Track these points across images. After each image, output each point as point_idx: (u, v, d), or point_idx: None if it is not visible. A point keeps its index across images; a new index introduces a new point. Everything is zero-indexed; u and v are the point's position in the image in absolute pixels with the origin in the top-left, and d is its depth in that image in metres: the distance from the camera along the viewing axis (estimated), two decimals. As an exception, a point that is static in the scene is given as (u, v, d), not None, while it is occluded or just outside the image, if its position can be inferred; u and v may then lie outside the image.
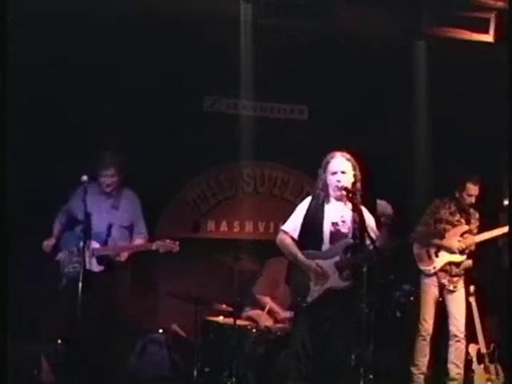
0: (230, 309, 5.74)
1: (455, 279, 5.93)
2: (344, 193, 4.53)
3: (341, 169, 4.57)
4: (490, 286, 6.37)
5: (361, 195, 4.63)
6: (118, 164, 5.47)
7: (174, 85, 6.54)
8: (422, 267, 5.99)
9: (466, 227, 5.97)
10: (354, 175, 4.58)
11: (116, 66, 6.28)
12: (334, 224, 4.57)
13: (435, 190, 6.40)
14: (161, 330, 6.27)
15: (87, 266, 5.04)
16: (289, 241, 4.65)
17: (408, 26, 6.38)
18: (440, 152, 6.72)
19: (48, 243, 5.43)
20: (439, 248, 5.94)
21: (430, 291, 5.96)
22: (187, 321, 5.87)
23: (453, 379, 5.90)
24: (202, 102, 6.97)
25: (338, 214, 4.60)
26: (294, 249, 4.61)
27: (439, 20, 6.32)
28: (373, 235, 4.45)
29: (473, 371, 5.98)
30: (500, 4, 6.17)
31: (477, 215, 6.04)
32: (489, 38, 6.37)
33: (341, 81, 6.76)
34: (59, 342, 5.80)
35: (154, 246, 5.30)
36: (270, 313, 6.05)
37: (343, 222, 4.58)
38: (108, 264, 5.34)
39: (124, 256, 5.42)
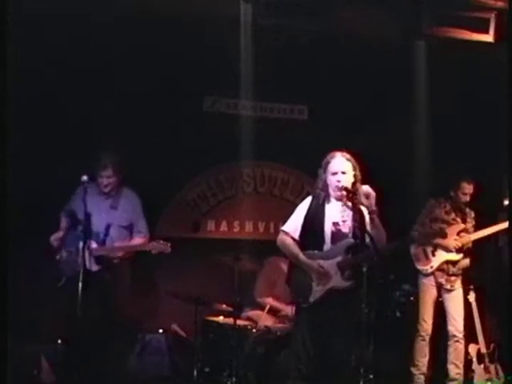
0: (230, 309, 5.74)
1: (452, 278, 5.94)
2: (344, 193, 4.52)
3: (341, 169, 4.56)
4: (490, 286, 6.38)
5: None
6: (115, 164, 5.46)
7: (174, 85, 6.54)
8: (420, 267, 6.00)
9: (462, 226, 5.99)
10: (354, 175, 4.57)
11: (116, 65, 6.28)
12: (335, 224, 4.57)
13: (435, 189, 6.39)
14: (161, 330, 6.27)
15: (86, 266, 5.04)
16: (290, 241, 4.64)
17: (408, 25, 6.38)
18: (440, 152, 6.72)
19: (56, 237, 5.43)
20: (436, 247, 5.94)
21: (428, 291, 5.97)
22: (187, 321, 5.86)
23: (453, 379, 5.90)
24: (202, 102, 6.97)
25: (338, 214, 4.59)
26: (296, 249, 4.61)
27: (439, 20, 6.32)
28: (373, 235, 4.45)
29: (473, 371, 5.99)
30: (500, 4, 6.17)
31: (472, 214, 6.05)
32: (489, 38, 6.37)
33: (341, 81, 6.76)
34: (59, 342, 5.81)
35: (147, 247, 5.31)
36: (270, 313, 6.05)
37: (344, 221, 4.57)
38: (106, 264, 5.34)
39: (122, 256, 5.42)
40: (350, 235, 4.55)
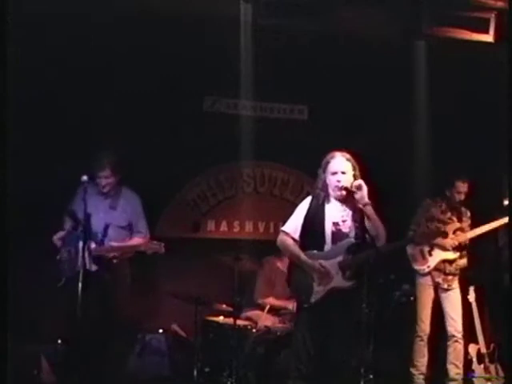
0: (230, 309, 5.75)
1: (449, 278, 5.93)
2: (344, 193, 4.53)
3: (341, 169, 4.56)
4: (490, 286, 6.38)
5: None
6: (113, 165, 5.45)
7: (174, 85, 6.54)
8: (417, 267, 5.99)
9: (457, 224, 5.99)
10: (354, 175, 4.57)
11: (116, 65, 6.28)
12: (335, 224, 4.56)
13: (435, 189, 6.39)
14: (161, 330, 6.26)
15: (86, 266, 5.04)
16: (290, 242, 4.64)
17: (408, 26, 6.38)
18: (440, 152, 6.72)
19: (59, 236, 5.43)
20: (432, 247, 5.94)
21: (426, 291, 5.97)
22: (187, 321, 5.86)
23: (452, 379, 5.90)
24: (202, 102, 6.98)
25: (338, 213, 4.59)
26: (296, 249, 4.60)
27: (439, 20, 6.32)
28: (373, 234, 4.45)
29: (473, 371, 5.99)
30: (500, 4, 6.17)
31: (468, 213, 6.06)
32: (489, 38, 6.37)
33: (341, 81, 6.76)
34: (59, 342, 5.81)
35: (142, 247, 5.31)
36: (270, 313, 6.05)
37: (344, 221, 4.57)
38: (106, 264, 5.34)
39: (122, 256, 5.41)
40: (351, 235, 4.55)
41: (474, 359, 6.01)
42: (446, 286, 5.93)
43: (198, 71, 6.51)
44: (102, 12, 5.88)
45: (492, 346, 6.04)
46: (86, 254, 5.03)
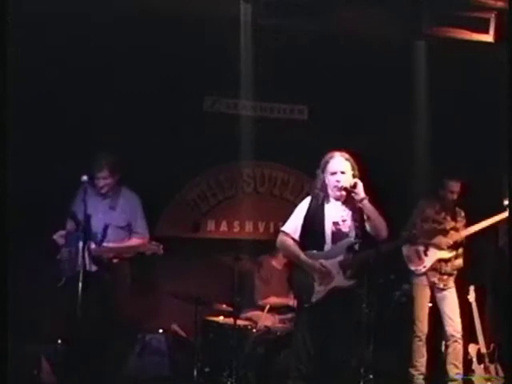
0: (230, 309, 5.75)
1: (445, 277, 5.93)
2: (344, 193, 4.53)
3: (340, 169, 4.56)
4: (490, 286, 6.38)
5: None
6: (111, 165, 5.43)
7: (174, 85, 6.54)
8: (413, 267, 5.99)
9: (452, 224, 5.99)
10: (353, 175, 4.57)
11: (116, 65, 6.29)
12: (335, 224, 4.56)
13: (431, 189, 6.39)
14: (161, 330, 6.27)
15: (86, 267, 5.03)
16: (290, 242, 4.64)
17: (408, 26, 6.37)
18: (440, 152, 6.72)
19: (60, 234, 5.43)
20: (428, 247, 5.94)
21: (423, 291, 5.97)
22: (187, 321, 5.86)
23: (452, 379, 5.90)
24: (202, 102, 6.98)
25: (338, 213, 4.59)
26: (296, 249, 4.60)
27: (439, 20, 6.32)
28: (373, 232, 4.46)
29: (473, 371, 5.99)
30: (500, 4, 6.17)
31: (462, 213, 6.06)
32: (489, 38, 6.36)
33: (341, 81, 6.76)
34: (59, 341, 5.81)
35: (140, 248, 5.30)
36: (270, 312, 6.05)
37: (344, 221, 4.57)
38: (106, 264, 5.33)
39: (121, 256, 5.41)
40: (351, 234, 4.55)
41: (474, 359, 6.00)
42: (441, 286, 5.93)
43: (198, 71, 6.51)
44: (101, 12, 5.88)
45: (492, 346, 6.04)
46: (86, 254, 5.04)
